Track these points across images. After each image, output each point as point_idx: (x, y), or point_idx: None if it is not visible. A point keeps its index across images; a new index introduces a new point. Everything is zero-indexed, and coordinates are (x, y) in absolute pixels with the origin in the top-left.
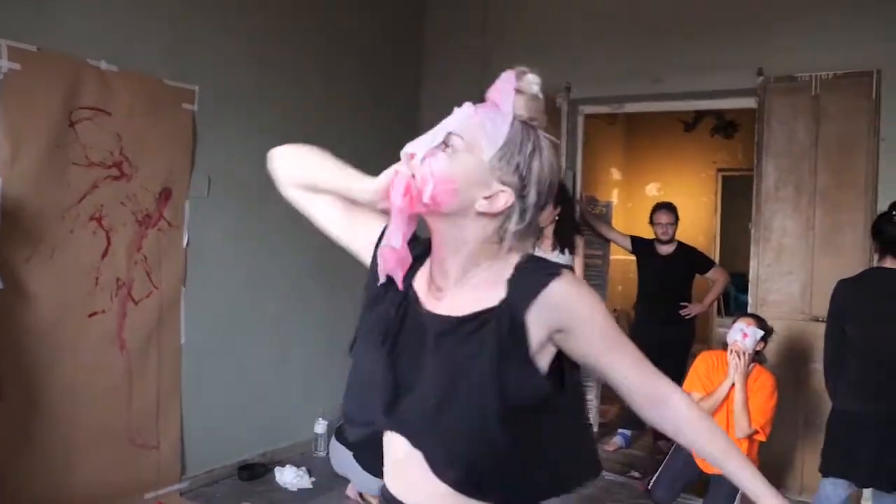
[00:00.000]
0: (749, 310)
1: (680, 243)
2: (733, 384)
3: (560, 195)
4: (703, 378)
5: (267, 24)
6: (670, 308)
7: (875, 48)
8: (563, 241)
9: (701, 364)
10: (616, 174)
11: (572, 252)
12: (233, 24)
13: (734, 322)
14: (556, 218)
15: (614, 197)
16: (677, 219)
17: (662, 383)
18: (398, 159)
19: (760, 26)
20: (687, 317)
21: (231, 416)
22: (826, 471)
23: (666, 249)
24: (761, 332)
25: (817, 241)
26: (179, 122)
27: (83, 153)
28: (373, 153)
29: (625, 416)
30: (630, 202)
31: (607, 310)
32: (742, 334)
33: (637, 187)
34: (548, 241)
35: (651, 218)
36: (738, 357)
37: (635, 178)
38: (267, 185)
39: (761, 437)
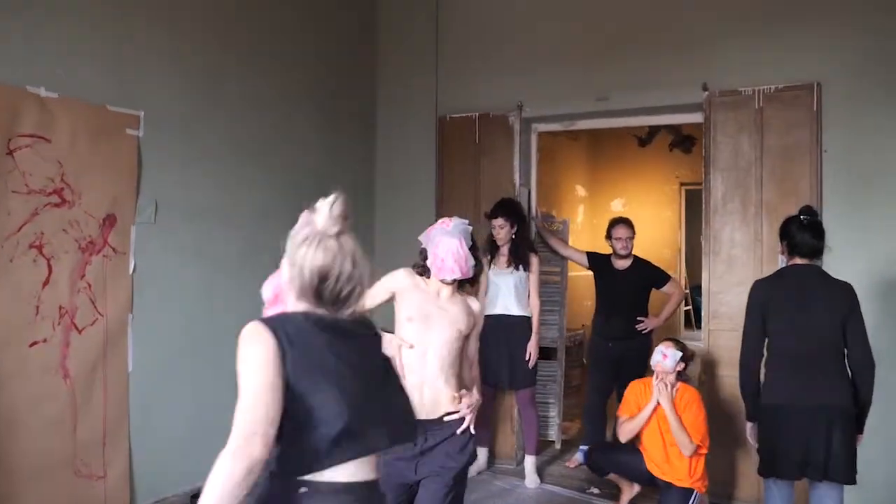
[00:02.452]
0: (702, 322)
1: (636, 258)
2: (658, 404)
3: (515, 213)
4: (633, 405)
5: (214, 48)
6: (627, 323)
7: (816, 62)
8: (519, 259)
9: (630, 393)
10: (581, 191)
11: (527, 269)
12: (179, 47)
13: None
14: (512, 237)
15: (580, 213)
16: (634, 233)
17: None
18: (352, 179)
19: (705, 42)
20: (643, 331)
21: (183, 443)
22: (763, 472)
23: (622, 264)
24: (680, 354)
25: (765, 251)
26: (123, 148)
27: (22, 181)
28: (327, 174)
29: (591, 432)
30: (595, 218)
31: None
32: (662, 356)
33: (602, 203)
34: (503, 258)
35: (609, 233)
36: (664, 384)
37: (600, 194)
38: (218, 208)
39: (703, 450)
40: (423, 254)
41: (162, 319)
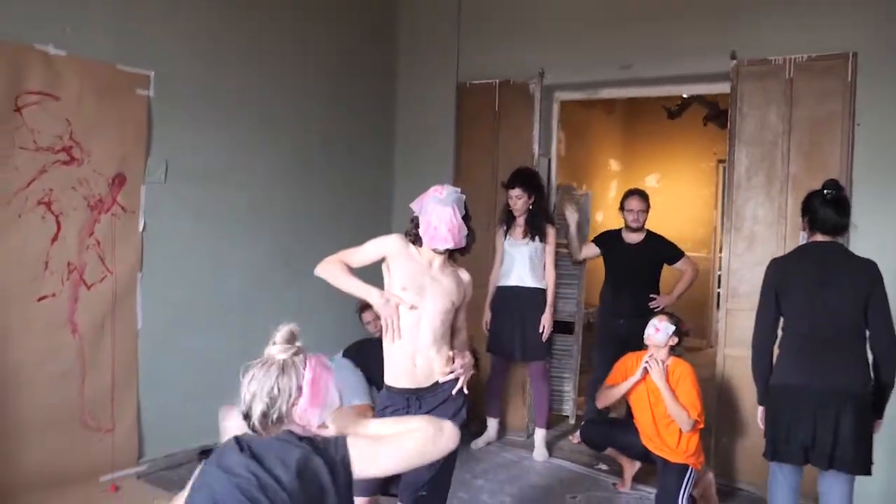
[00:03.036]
0: (720, 302)
1: (649, 232)
2: (641, 378)
3: (532, 184)
4: (620, 376)
5: (228, 9)
6: (638, 299)
7: (852, 30)
8: (535, 229)
9: (621, 363)
10: (615, 165)
11: (543, 240)
12: (192, 8)
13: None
14: (529, 207)
15: (612, 189)
16: (649, 206)
17: None
18: (369, 145)
19: (734, 9)
20: (655, 309)
21: (191, 400)
22: (768, 455)
23: (634, 238)
24: (672, 328)
25: (789, 229)
26: (133, 108)
27: (30, 137)
28: (343, 139)
29: (591, 408)
30: None
31: None
32: (654, 329)
33: (636, 179)
34: (519, 229)
35: (622, 204)
36: (655, 360)
37: (634, 169)
38: (227, 171)
39: (700, 425)
40: (415, 222)
41: (171, 278)
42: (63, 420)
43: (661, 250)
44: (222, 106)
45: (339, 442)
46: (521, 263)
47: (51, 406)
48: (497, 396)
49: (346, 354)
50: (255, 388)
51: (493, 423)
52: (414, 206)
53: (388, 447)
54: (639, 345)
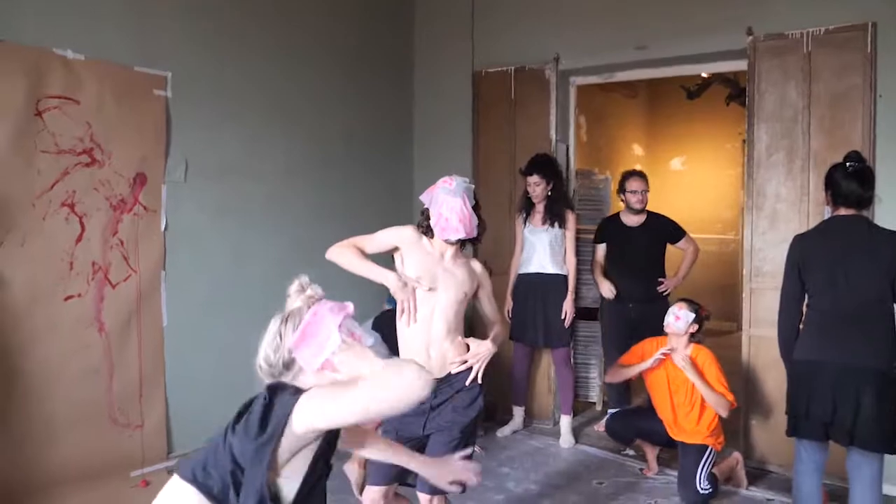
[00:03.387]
0: (744, 281)
1: (649, 212)
2: (653, 367)
3: (550, 170)
4: (637, 358)
5: (243, 7)
6: (648, 283)
7: (869, 0)
8: (554, 216)
9: (639, 347)
10: (638, 150)
11: (563, 226)
12: (207, 8)
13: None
14: (548, 194)
15: None
16: (648, 187)
17: None
18: (388, 136)
19: None
20: (664, 292)
21: (219, 396)
22: (789, 432)
23: (637, 220)
24: (692, 315)
25: (811, 206)
26: (151, 109)
27: (52, 141)
28: (362, 132)
29: (613, 396)
30: (654, 177)
31: None
32: (674, 317)
33: (661, 162)
34: (538, 216)
35: (622, 186)
36: (685, 359)
37: (659, 153)
38: (246, 166)
39: (734, 404)
40: (426, 213)
41: (194, 275)
42: (92, 417)
43: (665, 230)
44: (239, 101)
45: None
46: (542, 250)
47: (80, 403)
48: (522, 384)
49: (375, 326)
50: (264, 338)
51: (518, 412)
52: (423, 198)
53: (335, 396)
54: (649, 329)
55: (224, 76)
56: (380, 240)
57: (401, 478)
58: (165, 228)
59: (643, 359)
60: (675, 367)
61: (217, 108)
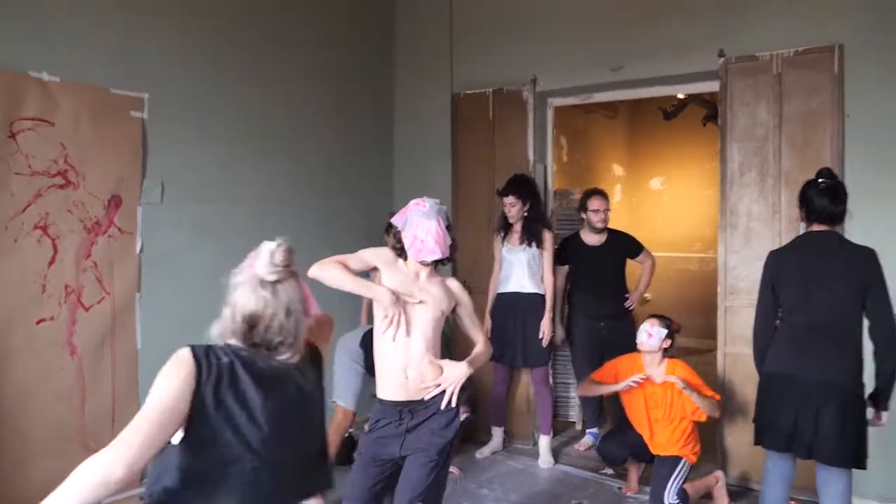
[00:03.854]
0: (719, 299)
1: (610, 230)
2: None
3: (526, 191)
4: (611, 375)
5: (222, 30)
6: (616, 300)
7: (836, 22)
8: (532, 236)
9: (613, 365)
10: (618, 170)
11: (540, 246)
12: (185, 30)
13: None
14: (525, 214)
15: (617, 193)
16: (609, 205)
17: None
18: (368, 158)
19: (720, 7)
20: (630, 308)
21: None
22: (756, 439)
23: (598, 239)
24: (665, 331)
25: (783, 224)
26: (127, 130)
27: (26, 163)
28: (341, 154)
29: (591, 416)
30: (634, 198)
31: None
32: (647, 335)
33: (641, 182)
34: (516, 235)
35: (584, 205)
36: (682, 384)
37: (639, 172)
38: (225, 189)
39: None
40: (397, 236)
41: (170, 298)
42: (65, 441)
43: (625, 246)
44: (219, 123)
45: None
46: (520, 269)
47: (52, 427)
48: (501, 405)
49: (362, 344)
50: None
51: (497, 432)
52: (396, 220)
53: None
54: (619, 345)
55: (204, 98)
56: (361, 258)
57: (378, 499)
58: (141, 251)
59: (617, 376)
60: (653, 385)
61: (196, 130)
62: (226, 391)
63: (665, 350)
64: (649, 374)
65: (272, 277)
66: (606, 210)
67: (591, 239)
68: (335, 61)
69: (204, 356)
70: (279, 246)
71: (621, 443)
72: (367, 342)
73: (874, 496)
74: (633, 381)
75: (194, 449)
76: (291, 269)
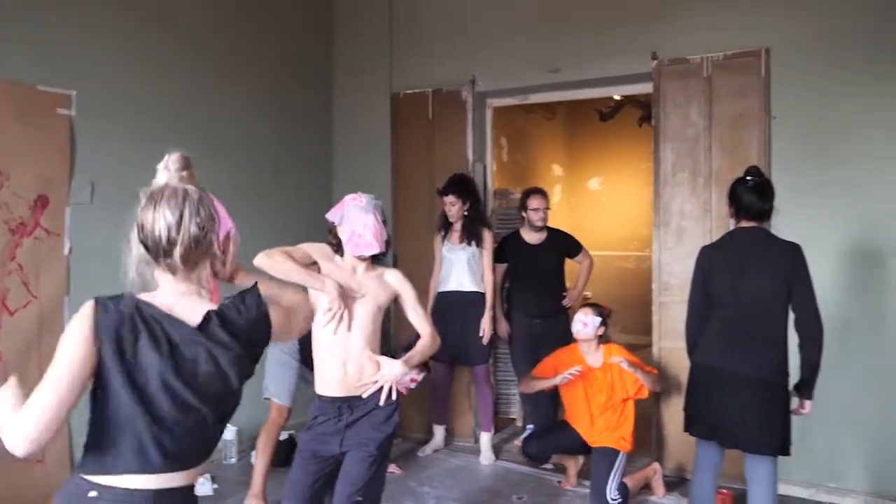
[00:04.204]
0: (654, 295)
1: (549, 229)
2: (569, 378)
3: (466, 190)
4: (551, 369)
5: (153, 26)
6: (552, 299)
7: (763, 27)
8: (471, 234)
9: (553, 359)
10: (558, 170)
11: (480, 245)
12: (115, 26)
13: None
14: (465, 213)
15: (557, 193)
16: (549, 204)
17: None
18: (307, 158)
19: (654, 11)
20: (568, 307)
21: None
22: (685, 427)
23: (537, 237)
24: (599, 319)
25: (714, 222)
26: (54, 128)
27: None
28: (279, 154)
29: (530, 413)
30: (573, 198)
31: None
32: (582, 324)
33: (580, 182)
34: (456, 234)
35: (524, 204)
36: (628, 363)
37: (578, 173)
38: None
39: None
40: (333, 232)
41: None
42: None
43: (564, 245)
44: (152, 121)
45: None
46: (460, 268)
47: None
48: (442, 403)
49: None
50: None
51: (439, 430)
52: (331, 216)
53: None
54: (554, 342)
55: (136, 95)
56: (304, 251)
57: (318, 498)
58: (70, 252)
59: (556, 369)
60: (593, 370)
61: (127, 128)
62: (127, 345)
63: (600, 337)
64: (588, 364)
65: (174, 181)
66: (546, 209)
67: (530, 237)
68: (272, 58)
69: (109, 308)
70: (172, 154)
71: (541, 444)
72: (302, 340)
73: (799, 482)
74: (570, 374)
75: (95, 405)
76: (192, 174)
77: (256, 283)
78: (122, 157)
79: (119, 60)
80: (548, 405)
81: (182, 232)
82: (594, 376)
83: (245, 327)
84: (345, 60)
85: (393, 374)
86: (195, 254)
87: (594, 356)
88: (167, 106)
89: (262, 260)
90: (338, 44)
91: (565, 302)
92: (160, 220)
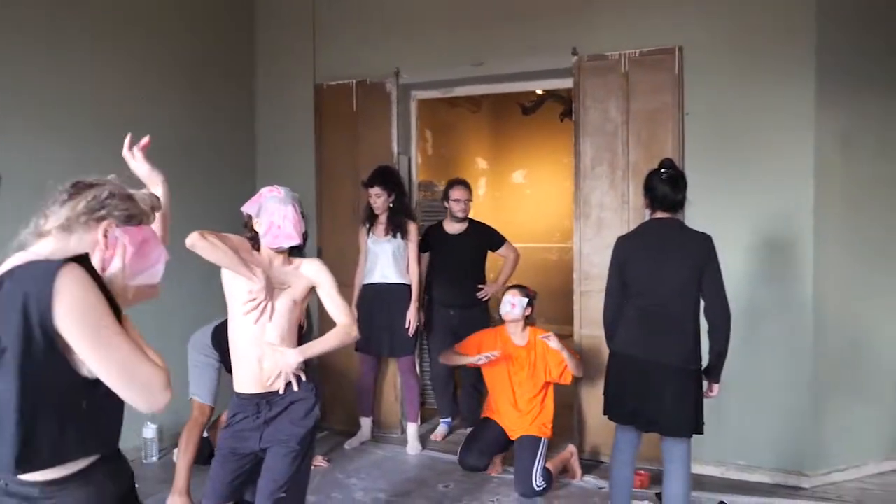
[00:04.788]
0: (575, 285)
1: (471, 220)
2: (487, 359)
3: (391, 182)
4: (474, 349)
5: (62, 9)
6: (468, 289)
7: (677, 26)
8: (397, 227)
9: (477, 338)
10: (482, 163)
11: (405, 237)
12: (23, 12)
13: (503, 295)
14: (390, 205)
15: (482, 186)
16: (471, 196)
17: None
18: (228, 148)
19: (575, 8)
20: (484, 298)
21: None
22: (605, 411)
23: (458, 228)
24: (526, 300)
25: (632, 213)
26: None
27: None
28: (200, 145)
29: (445, 406)
30: (498, 191)
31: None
32: (510, 305)
33: (504, 175)
34: (381, 226)
35: (446, 194)
36: (554, 339)
37: (502, 165)
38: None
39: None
40: (249, 225)
41: None
42: None
43: (486, 237)
44: (63, 112)
45: None
46: (385, 260)
47: None
48: (368, 395)
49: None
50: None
51: (366, 422)
52: (247, 208)
53: None
54: (470, 333)
55: (46, 86)
56: (231, 240)
57: (238, 495)
58: None
59: (479, 347)
60: (517, 348)
61: (35, 120)
62: None
63: (527, 318)
64: (514, 344)
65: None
66: (467, 200)
67: (452, 228)
68: (191, 46)
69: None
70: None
71: (480, 451)
72: (217, 337)
73: (711, 461)
74: (488, 356)
75: None
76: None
77: None
78: (30, 150)
79: (29, 51)
80: (473, 399)
81: None
82: (517, 354)
83: None
84: (267, 49)
85: (287, 363)
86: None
87: (520, 337)
88: (79, 97)
89: (194, 240)
90: (260, 31)
91: (480, 294)
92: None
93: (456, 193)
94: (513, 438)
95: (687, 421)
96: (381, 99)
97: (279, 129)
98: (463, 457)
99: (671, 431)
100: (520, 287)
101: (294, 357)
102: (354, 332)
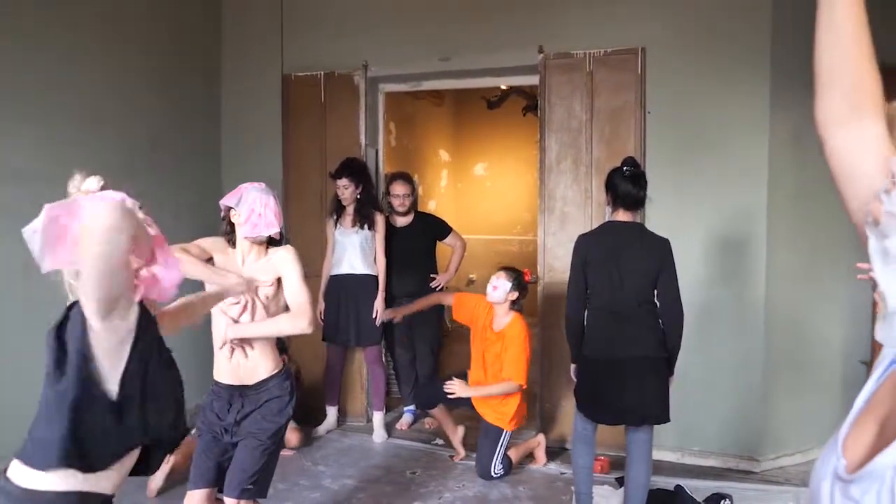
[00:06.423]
0: (538, 278)
1: (417, 212)
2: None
3: (359, 173)
4: (467, 313)
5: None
6: (419, 279)
7: (641, 27)
8: (364, 218)
9: (470, 301)
10: (444, 155)
11: (372, 228)
12: None
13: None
14: (357, 196)
15: (443, 178)
16: (414, 189)
17: None
18: (195, 140)
19: (542, 6)
20: (437, 288)
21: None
22: (578, 406)
23: (404, 221)
24: (510, 284)
25: (594, 208)
26: None
27: None
28: (167, 136)
29: (409, 395)
30: (460, 182)
31: None
32: (492, 287)
33: (466, 168)
34: (349, 218)
35: (387, 189)
36: (462, 386)
37: (464, 158)
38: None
39: (524, 386)
40: (227, 217)
41: None
42: None
43: (431, 228)
44: (34, 100)
45: None
46: (352, 251)
47: None
48: (335, 384)
49: None
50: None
51: (332, 411)
52: (228, 200)
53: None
54: (424, 322)
55: (18, 74)
56: (200, 246)
57: (221, 481)
58: None
59: (470, 318)
60: (492, 332)
61: (7, 108)
62: None
63: (513, 302)
64: (487, 330)
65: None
66: (406, 195)
67: (397, 221)
68: (157, 36)
69: None
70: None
71: (434, 388)
72: None
73: (669, 447)
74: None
75: None
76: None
77: None
78: (3, 139)
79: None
80: (435, 389)
81: None
82: (490, 337)
83: None
84: (235, 39)
85: (226, 332)
86: None
87: (503, 319)
88: (50, 85)
89: None
90: (227, 20)
91: (433, 283)
92: None
93: (396, 188)
94: (478, 410)
95: (665, 407)
96: (349, 91)
97: (246, 120)
98: (417, 393)
99: (657, 419)
100: (508, 270)
101: (232, 330)
102: (301, 325)
